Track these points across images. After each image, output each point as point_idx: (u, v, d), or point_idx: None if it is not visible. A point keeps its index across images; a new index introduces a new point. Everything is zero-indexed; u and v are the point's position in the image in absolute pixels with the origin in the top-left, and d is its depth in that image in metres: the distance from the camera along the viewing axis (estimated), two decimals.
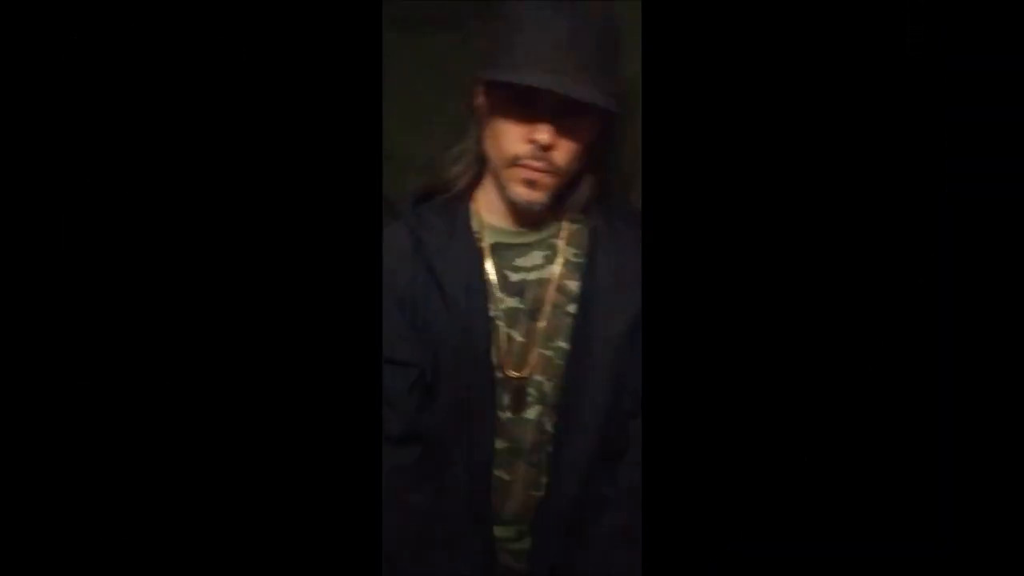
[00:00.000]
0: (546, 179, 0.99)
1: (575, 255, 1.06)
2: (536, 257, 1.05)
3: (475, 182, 1.07)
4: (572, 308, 1.03)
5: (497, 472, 1.04)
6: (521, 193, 0.99)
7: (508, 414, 1.03)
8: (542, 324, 1.03)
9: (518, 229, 1.05)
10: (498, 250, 1.05)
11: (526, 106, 0.96)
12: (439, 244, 1.04)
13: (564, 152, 0.98)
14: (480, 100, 1.01)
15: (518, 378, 1.03)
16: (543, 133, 0.95)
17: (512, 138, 0.98)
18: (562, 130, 0.97)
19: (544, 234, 1.06)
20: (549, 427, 1.03)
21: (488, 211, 1.06)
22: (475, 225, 1.06)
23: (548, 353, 1.03)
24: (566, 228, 1.06)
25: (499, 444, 1.03)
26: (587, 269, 1.04)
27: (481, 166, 1.05)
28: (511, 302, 1.03)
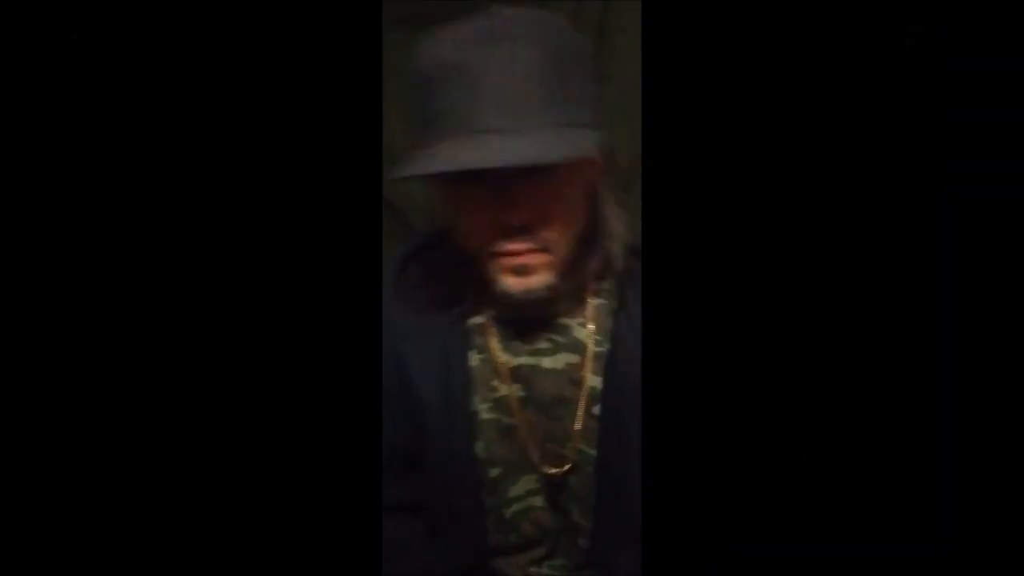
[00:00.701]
0: (539, 259, 0.76)
1: (597, 342, 0.85)
2: (542, 339, 0.85)
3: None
4: (595, 409, 0.84)
5: (494, 561, 0.90)
6: (512, 284, 0.77)
7: (530, 506, 0.87)
8: (560, 423, 0.84)
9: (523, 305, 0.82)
10: (494, 325, 0.85)
11: (472, 184, 0.74)
12: (411, 326, 0.84)
13: (553, 222, 0.75)
14: (433, 189, 0.82)
15: (550, 473, 0.84)
16: (516, 214, 0.74)
17: (476, 229, 0.76)
18: (535, 197, 0.74)
19: (557, 310, 0.84)
20: (579, 520, 0.87)
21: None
22: (470, 292, 0.85)
23: (570, 455, 0.85)
24: (586, 303, 0.84)
25: (502, 539, 0.88)
26: (610, 359, 0.83)
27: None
28: (511, 389, 0.84)
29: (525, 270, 0.77)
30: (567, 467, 0.84)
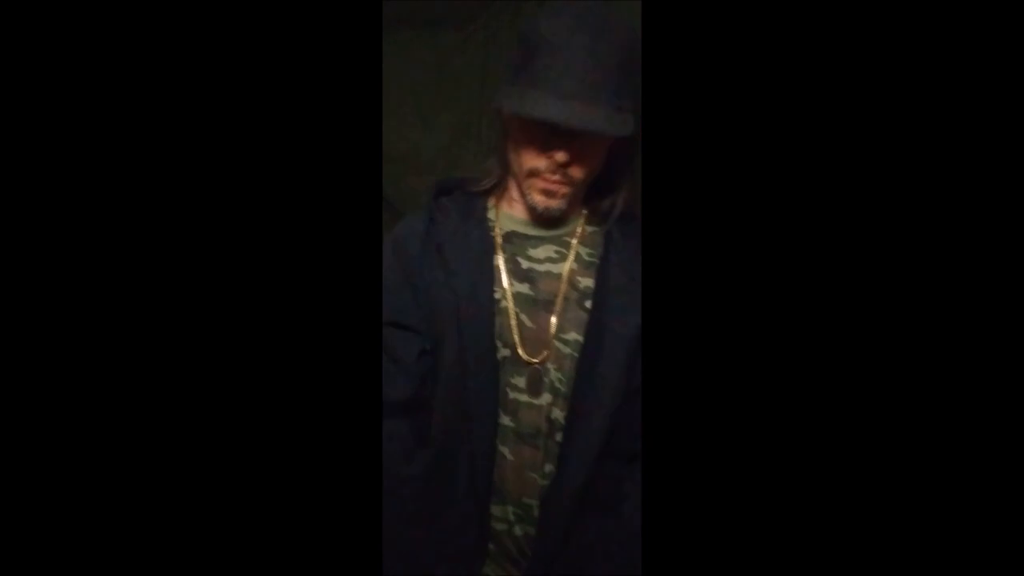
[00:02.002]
0: (563, 189, 1.06)
1: (589, 255, 1.11)
2: (548, 250, 1.11)
3: (499, 183, 1.14)
4: (587, 303, 1.08)
5: (501, 448, 1.07)
6: (539, 201, 1.07)
7: (521, 396, 1.07)
8: (555, 315, 1.08)
9: (535, 224, 1.12)
10: (511, 239, 1.12)
11: (544, 126, 1.01)
12: (451, 228, 1.11)
13: (581, 167, 1.05)
14: (503, 112, 1.07)
15: (533, 363, 1.07)
16: (559, 154, 1.03)
17: (531, 154, 1.05)
18: (579, 148, 1.03)
19: (559, 232, 1.12)
20: (558, 416, 1.06)
21: (507, 204, 1.13)
22: (492, 215, 1.14)
23: (560, 345, 1.07)
24: (581, 229, 1.12)
25: (505, 421, 1.07)
26: (601, 268, 1.10)
27: (505, 170, 1.13)
28: (521, 287, 1.09)
29: (552, 194, 1.07)
30: (544, 355, 1.08)
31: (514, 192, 1.12)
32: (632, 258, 1.09)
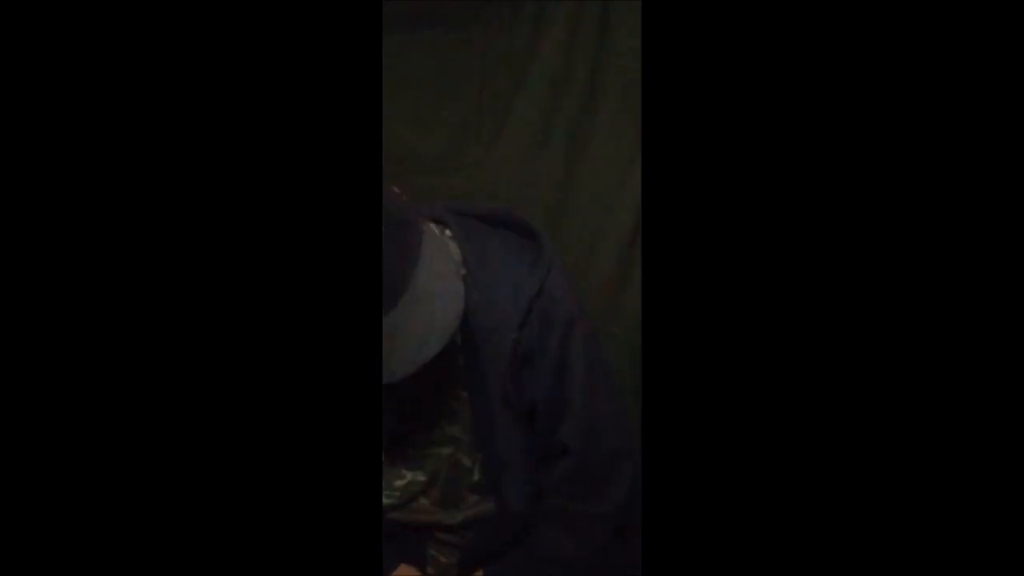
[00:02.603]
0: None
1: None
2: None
3: None
4: (460, 357, 1.07)
5: (421, 500, 1.12)
6: None
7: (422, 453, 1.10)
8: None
9: None
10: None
11: None
12: None
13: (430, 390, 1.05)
14: None
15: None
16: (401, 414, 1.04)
17: None
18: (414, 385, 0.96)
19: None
20: (466, 461, 1.09)
21: None
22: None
23: (452, 401, 1.08)
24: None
25: (415, 477, 1.10)
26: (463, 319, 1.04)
27: None
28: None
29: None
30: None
31: None
32: (487, 283, 1.03)
